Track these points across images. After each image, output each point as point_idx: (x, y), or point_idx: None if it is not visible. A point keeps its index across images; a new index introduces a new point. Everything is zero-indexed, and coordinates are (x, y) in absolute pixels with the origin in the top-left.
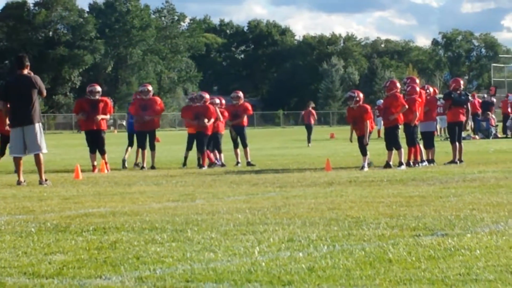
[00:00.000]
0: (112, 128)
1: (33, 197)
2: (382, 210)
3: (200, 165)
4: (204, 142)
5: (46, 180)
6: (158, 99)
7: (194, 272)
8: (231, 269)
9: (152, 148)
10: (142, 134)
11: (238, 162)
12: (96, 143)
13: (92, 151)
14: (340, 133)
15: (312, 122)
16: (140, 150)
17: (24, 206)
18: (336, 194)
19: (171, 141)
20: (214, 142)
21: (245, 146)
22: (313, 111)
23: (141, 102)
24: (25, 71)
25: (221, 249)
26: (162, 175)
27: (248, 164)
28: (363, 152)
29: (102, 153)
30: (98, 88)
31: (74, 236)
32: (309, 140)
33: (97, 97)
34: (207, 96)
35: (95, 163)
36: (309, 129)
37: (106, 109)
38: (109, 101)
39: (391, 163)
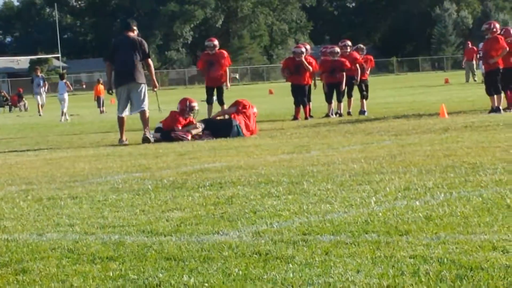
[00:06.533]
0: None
1: (149, 154)
2: (499, 155)
3: (305, 117)
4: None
5: (151, 133)
6: (224, 52)
7: (311, 224)
8: (348, 220)
9: (221, 103)
10: (210, 89)
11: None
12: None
13: None
14: (454, 78)
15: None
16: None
17: (140, 164)
18: (452, 140)
19: (284, 93)
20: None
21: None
22: (475, 48)
23: (207, 57)
24: (131, 34)
25: (338, 200)
26: (276, 127)
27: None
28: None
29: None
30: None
31: (191, 192)
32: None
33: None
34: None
35: None
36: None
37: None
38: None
39: (500, 107)
